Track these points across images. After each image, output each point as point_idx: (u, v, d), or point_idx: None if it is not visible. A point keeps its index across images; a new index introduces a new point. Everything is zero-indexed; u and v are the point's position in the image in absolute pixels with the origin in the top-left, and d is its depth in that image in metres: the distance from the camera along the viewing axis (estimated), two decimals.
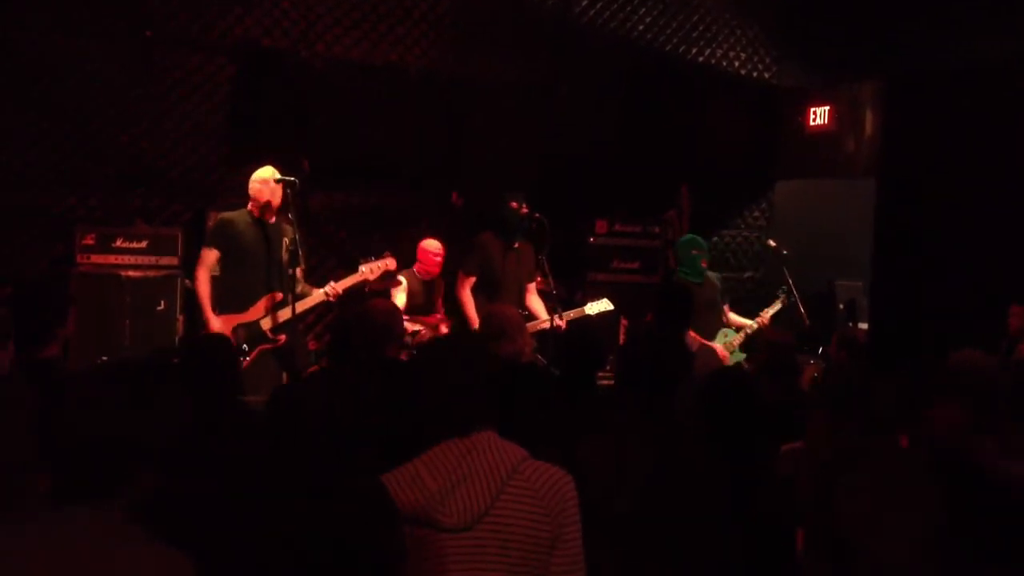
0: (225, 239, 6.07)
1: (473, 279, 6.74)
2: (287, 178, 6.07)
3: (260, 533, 2.59)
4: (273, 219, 6.14)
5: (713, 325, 7.05)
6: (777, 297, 7.41)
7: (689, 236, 7.43)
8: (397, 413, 3.01)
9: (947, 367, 3.61)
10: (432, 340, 5.15)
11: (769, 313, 7.29)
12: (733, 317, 7.32)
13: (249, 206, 6.13)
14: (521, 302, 6.76)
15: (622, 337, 8.07)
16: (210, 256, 6.08)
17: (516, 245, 6.76)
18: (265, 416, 2.77)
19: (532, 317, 6.72)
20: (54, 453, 1.95)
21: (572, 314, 6.78)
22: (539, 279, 6.89)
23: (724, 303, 7.28)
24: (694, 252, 7.13)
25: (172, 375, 2.11)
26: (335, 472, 2.54)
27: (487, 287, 6.73)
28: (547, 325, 6.63)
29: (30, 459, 3.03)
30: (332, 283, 6.18)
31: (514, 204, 6.69)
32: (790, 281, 7.51)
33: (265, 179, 6.09)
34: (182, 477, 2.61)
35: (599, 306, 6.99)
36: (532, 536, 2.43)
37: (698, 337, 6.65)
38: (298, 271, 6.11)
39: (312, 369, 5.59)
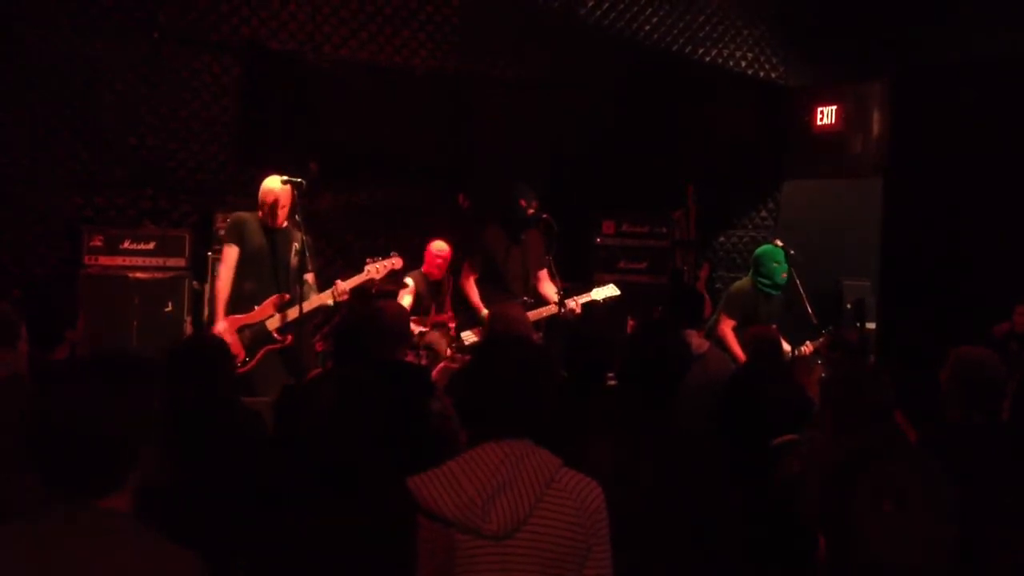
0: (240, 238, 6.05)
1: (476, 275, 6.76)
2: (294, 179, 6.05)
3: (266, 530, 2.59)
4: (284, 223, 6.07)
5: None
6: (823, 333, 7.03)
7: (770, 247, 7.23)
8: (406, 416, 3.02)
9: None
10: (487, 340, 5.13)
11: (812, 347, 6.97)
12: None
13: (259, 212, 6.11)
14: (528, 290, 6.76)
15: None
16: (232, 254, 6.02)
17: (522, 237, 6.77)
18: (273, 415, 2.77)
19: (543, 302, 6.72)
20: (39, 451, 1.93)
21: (579, 300, 6.77)
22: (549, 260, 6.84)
23: (775, 324, 7.18)
24: (775, 264, 7.05)
25: (161, 371, 2.09)
26: (344, 472, 2.54)
27: (493, 280, 6.75)
28: (556, 310, 6.61)
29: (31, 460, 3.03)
30: (339, 281, 6.14)
31: (523, 202, 6.68)
32: (797, 281, 7.48)
33: (270, 188, 6.04)
34: (178, 475, 2.61)
35: (605, 291, 6.93)
36: (568, 544, 2.43)
37: (705, 340, 6.62)
38: (310, 276, 6.09)
39: (316, 371, 5.56)
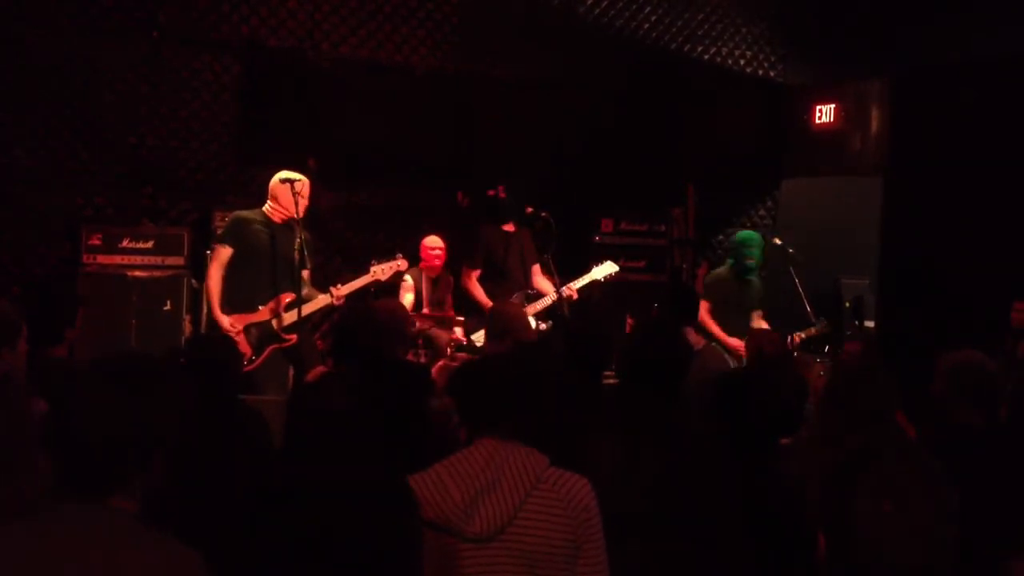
0: (239, 237, 6.05)
1: (478, 272, 6.93)
2: (292, 177, 6.07)
3: (271, 530, 2.59)
4: (300, 217, 6.07)
5: (739, 327, 6.90)
6: (815, 324, 7.12)
7: (746, 232, 7.44)
8: (406, 415, 3.02)
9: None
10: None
11: (802, 336, 7.02)
12: (763, 325, 7.05)
13: (267, 208, 6.11)
14: (528, 284, 6.96)
15: None
16: (224, 253, 6.04)
17: (513, 230, 6.95)
18: (286, 416, 2.77)
19: (542, 295, 6.86)
20: (55, 450, 1.93)
21: (580, 282, 6.86)
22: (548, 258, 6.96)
23: (758, 310, 7.23)
24: (745, 248, 7.19)
25: (175, 372, 2.09)
26: (351, 470, 2.55)
27: (494, 276, 6.92)
28: (556, 298, 6.72)
29: (34, 459, 3.03)
30: (339, 286, 6.15)
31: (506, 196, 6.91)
32: (796, 280, 7.49)
33: (292, 178, 6.06)
34: (186, 475, 2.62)
35: (605, 269, 7.04)
36: (557, 544, 2.42)
37: (700, 337, 6.62)
38: (305, 273, 6.09)
39: (319, 369, 5.57)
